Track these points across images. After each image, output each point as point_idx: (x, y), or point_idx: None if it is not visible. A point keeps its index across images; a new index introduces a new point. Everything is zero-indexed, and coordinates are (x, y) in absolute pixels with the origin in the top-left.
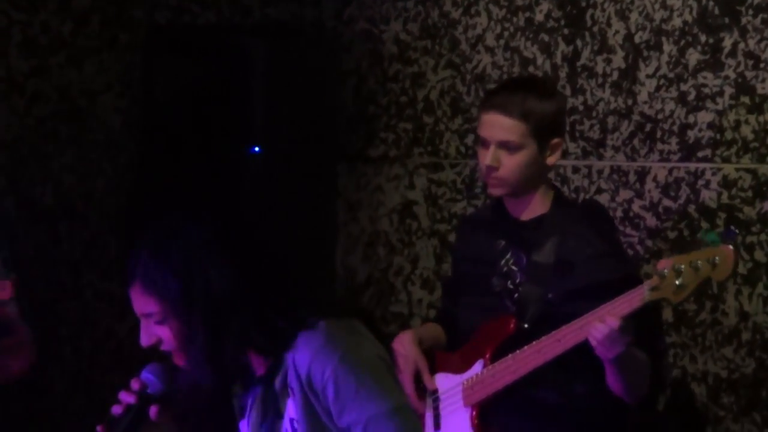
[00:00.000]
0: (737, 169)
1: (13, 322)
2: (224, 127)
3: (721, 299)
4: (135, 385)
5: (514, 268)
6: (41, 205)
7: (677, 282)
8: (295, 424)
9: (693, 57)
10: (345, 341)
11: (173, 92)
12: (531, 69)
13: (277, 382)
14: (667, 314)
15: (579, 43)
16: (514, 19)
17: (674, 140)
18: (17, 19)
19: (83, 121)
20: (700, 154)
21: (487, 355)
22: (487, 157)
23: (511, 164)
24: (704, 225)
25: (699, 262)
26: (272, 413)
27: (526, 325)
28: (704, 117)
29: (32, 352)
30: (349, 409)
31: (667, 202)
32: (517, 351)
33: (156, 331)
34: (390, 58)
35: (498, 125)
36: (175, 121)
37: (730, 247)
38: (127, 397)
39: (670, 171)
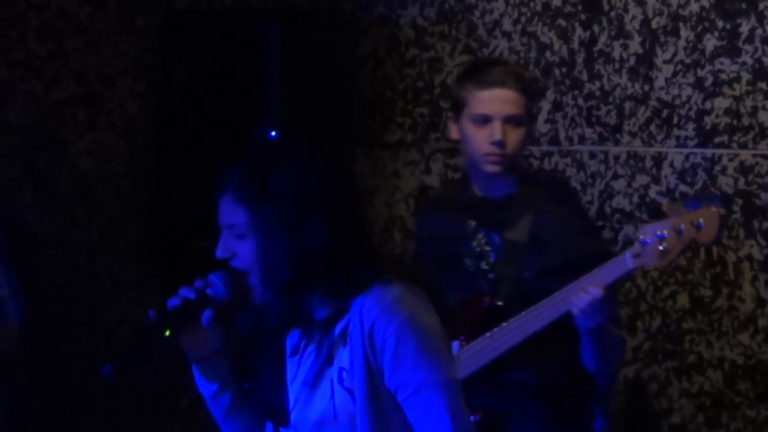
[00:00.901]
0: (754, 155)
1: None
2: (241, 112)
3: (737, 285)
4: (199, 283)
5: (487, 248)
6: (58, 189)
7: (660, 247)
8: (344, 374)
9: (710, 43)
10: (415, 305)
11: (190, 76)
12: (548, 54)
13: (337, 328)
14: (684, 300)
15: (596, 28)
16: (532, 4)
17: (691, 126)
18: (35, 2)
19: (100, 105)
20: (716, 140)
21: (463, 336)
22: (496, 133)
23: (515, 139)
24: (721, 211)
25: (682, 225)
26: (324, 358)
27: (500, 303)
28: (721, 103)
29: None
30: (402, 370)
31: (683, 188)
32: (495, 329)
33: (234, 246)
34: (407, 42)
35: (503, 100)
36: (191, 106)
37: (713, 208)
38: (187, 293)
39: (687, 157)
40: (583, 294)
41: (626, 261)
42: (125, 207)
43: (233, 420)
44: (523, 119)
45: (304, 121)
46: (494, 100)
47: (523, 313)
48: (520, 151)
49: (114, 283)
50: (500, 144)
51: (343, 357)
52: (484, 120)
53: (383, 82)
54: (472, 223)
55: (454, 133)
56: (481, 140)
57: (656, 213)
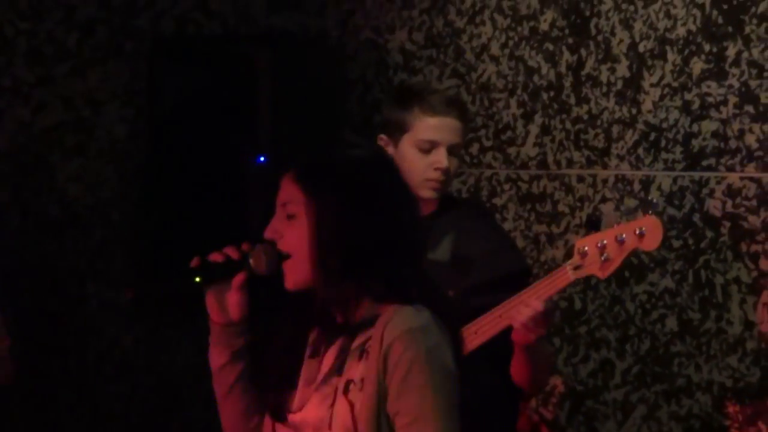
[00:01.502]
0: (741, 178)
1: None
2: (230, 137)
3: (725, 308)
4: (245, 246)
5: None
6: (47, 215)
7: (602, 257)
8: (351, 386)
9: (697, 66)
10: (438, 340)
11: (178, 102)
12: (535, 78)
13: (357, 340)
14: (672, 323)
15: (583, 52)
16: (519, 29)
17: (678, 149)
18: (23, 28)
19: (89, 130)
20: (704, 163)
21: None
22: (443, 159)
23: (454, 166)
24: (709, 234)
25: (624, 234)
26: (336, 366)
27: None
28: (708, 126)
29: (11, 363)
30: (405, 398)
31: (671, 211)
32: None
33: (283, 227)
34: (395, 67)
35: (450, 128)
36: (180, 131)
37: (653, 216)
38: (232, 252)
39: (675, 180)
40: (524, 307)
41: (566, 272)
42: (114, 233)
43: (233, 400)
44: (461, 148)
45: (293, 146)
46: (443, 127)
47: (461, 329)
48: (455, 173)
49: (103, 309)
50: (446, 171)
51: (353, 369)
52: (430, 147)
53: (372, 106)
54: None
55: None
56: (424, 166)
57: (591, 223)
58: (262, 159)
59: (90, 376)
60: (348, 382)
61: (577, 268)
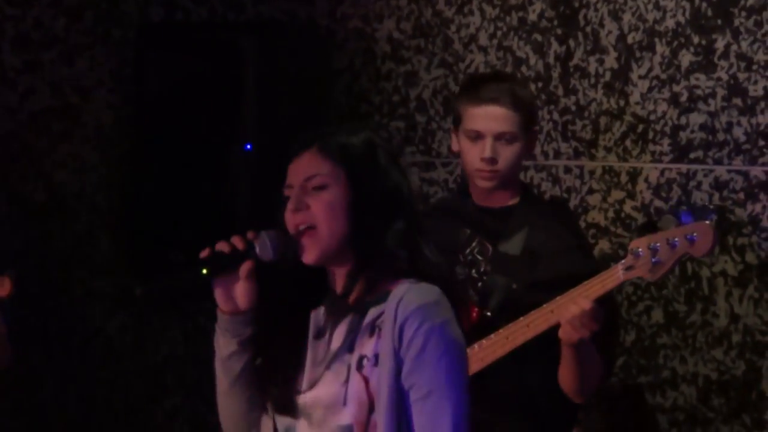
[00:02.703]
0: (729, 171)
1: None
2: (216, 124)
3: (711, 301)
4: (250, 235)
5: (479, 257)
6: (32, 201)
7: (653, 260)
8: (364, 362)
9: (686, 58)
10: (450, 314)
11: (165, 89)
12: (523, 69)
13: (368, 317)
14: (658, 316)
15: (572, 43)
16: (507, 19)
17: (666, 141)
18: (10, 14)
19: (75, 117)
20: (692, 156)
21: None
22: (487, 150)
23: (507, 155)
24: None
25: (676, 239)
26: (347, 343)
27: (488, 314)
28: (696, 118)
29: (7, 349)
30: (421, 371)
31: (658, 203)
32: (483, 340)
33: (308, 199)
34: (383, 56)
35: (494, 117)
36: (167, 118)
37: (707, 222)
38: (238, 242)
39: (662, 172)
40: (572, 305)
41: (618, 273)
42: (100, 219)
43: (239, 389)
44: (517, 136)
45: (279, 134)
46: (486, 117)
47: (510, 324)
48: (514, 168)
49: (87, 296)
50: (491, 161)
51: (366, 346)
52: (477, 136)
53: (359, 95)
54: (467, 231)
55: (455, 144)
56: (473, 155)
57: (650, 226)
58: (248, 146)
59: (75, 363)
60: (361, 358)
61: (628, 268)
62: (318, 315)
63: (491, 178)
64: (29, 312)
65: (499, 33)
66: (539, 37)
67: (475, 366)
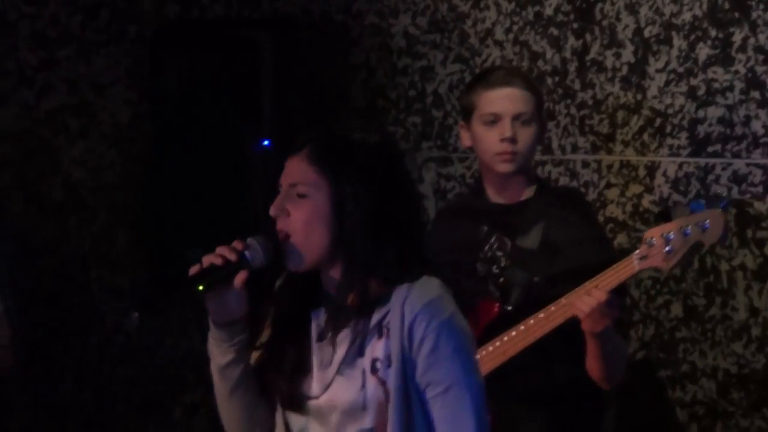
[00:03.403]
0: (747, 164)
1: None
2: (233, 121)
3: (731, 294)
4: (238, 245)
5: (498, 253)
6: (50, 198)
7: (666, 249)
8: (377, 364)
9: (703, 52)
10: (454, 306)
11: (182, 85)
12: (540, 63)
13: (374, 318)
14: (677, 309)
15: (588, 37)
16: (524, 13)
17: (684, 135)
18: (26, 12)
19: (92, 114)
20: (710, 149)
21: None
22: (506, 130)
23: (525, 136)
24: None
25: (689, 227)
26: (356, 347)
27: (509, 308)
28: (714, 112)
29: (11, 353)
30: (436, 368)
31: (677, 197)
32: (503, 334)
33: (290, 205)
34: (399, 51)
35: (511, 98)
36: (184, 115)
37: (719, 210)
38: (229, 254)
39: (680, 166)
40: (587, 297)
41: (633, 263)
42: (117, 216)
43: (239, 396)
44: (533, 117)
45: (296, 130)
46: (503, 98)
47: (529, 318)
48: (531, 151)
49: (106, 293)
50: (511, 140)
51: (377, 348)
52: (494, 119)
53: (375, 91)
54: (484, 228)
55: (465, 140)
56: (491, 139)
57: (664, 216)
58: (265, 143)
59: (93, 360)
60: (374, 361)
61: (643, 258)
62: (318, 316)
63: (511, 159)
64: (48, 309)
65: (515, 27)
66: (556, 32)
67: (497, 360)
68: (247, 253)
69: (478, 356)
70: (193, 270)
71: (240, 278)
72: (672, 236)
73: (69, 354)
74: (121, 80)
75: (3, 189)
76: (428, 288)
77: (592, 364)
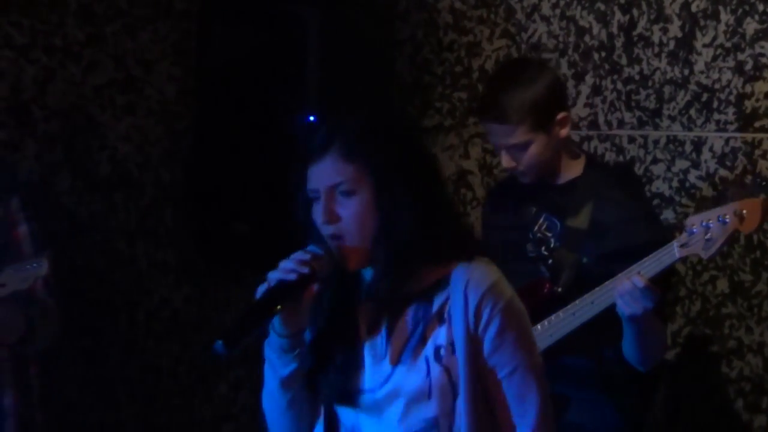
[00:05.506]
0: None
1: (38, 295)
2: (279, 96)
3: None
4: (309, 256)
5: (548, 233)
6: (97, 174)
7: (706, 237)
8: (441, 351)
9: (750, 26)
10: (512, 287)
11: (228, 61)
12: (587, 38)
13: (435, 305)
14: (723, 285)
15: (635, 12)
16: None
17: (731, 110)
18: None
19: (139, 90)
20: (757, 124)
21: None
22: (503, 161)
23: (526, 159)
24: (762, 196)
25: (727, 216)
26: (418, 336)
27: (559, 289)
28: (762, 87)
29: (56, 325)
30: (503, 350)
31: (723, 173)
32: (552, 316)
33: (338, 207)
34: (445, 27)
35: (500, 133)
36: (230, 90)
37: (756, 198)
38: (302, 268)
39: (727, 141)
40: (626, 281)
41: (674, 250)
42: (164, 192)
43: (295, 408)
44: (528, 142)
45: (342, 106)
46: (492, 133)
47: (577, 301)
48: (542, 163)
49: (152, 269)
50: (511, 169)
51: (439, 335)
52: (494, 147)
53: (421, 66)
54: (533, 209)
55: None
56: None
57: (702, 202)
58: (311, 118)
59: (140, 335)
60: (437, 348)
61: (683, 245)
62: (365, 311)
63: (521, 176)
64: (95, 284)
65: (562, 3)
66: (602, 7)
67: (546, 341)
68: (316, 265)
69: None
70: (267, 289)
71: (311, 291)
72: (711, 225)
73: (116, 329)
74: (167, 56)
75: (50, 165)
76: (488, 270)
77: (627, 347)
